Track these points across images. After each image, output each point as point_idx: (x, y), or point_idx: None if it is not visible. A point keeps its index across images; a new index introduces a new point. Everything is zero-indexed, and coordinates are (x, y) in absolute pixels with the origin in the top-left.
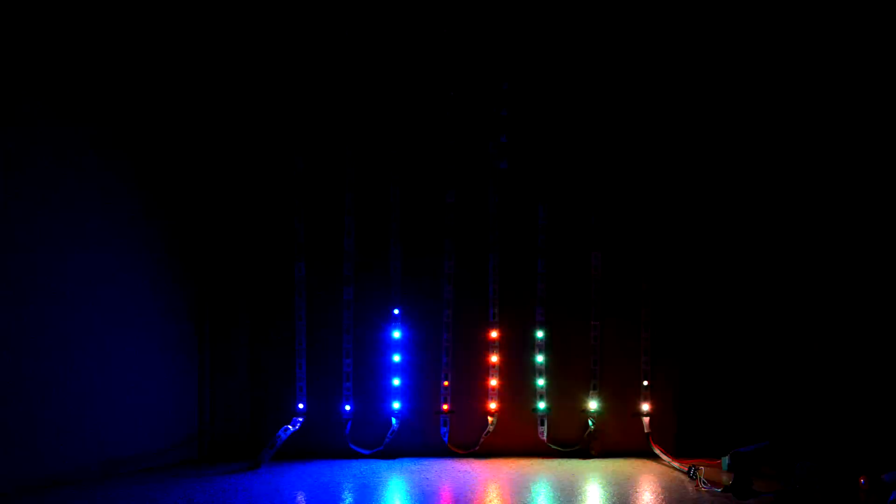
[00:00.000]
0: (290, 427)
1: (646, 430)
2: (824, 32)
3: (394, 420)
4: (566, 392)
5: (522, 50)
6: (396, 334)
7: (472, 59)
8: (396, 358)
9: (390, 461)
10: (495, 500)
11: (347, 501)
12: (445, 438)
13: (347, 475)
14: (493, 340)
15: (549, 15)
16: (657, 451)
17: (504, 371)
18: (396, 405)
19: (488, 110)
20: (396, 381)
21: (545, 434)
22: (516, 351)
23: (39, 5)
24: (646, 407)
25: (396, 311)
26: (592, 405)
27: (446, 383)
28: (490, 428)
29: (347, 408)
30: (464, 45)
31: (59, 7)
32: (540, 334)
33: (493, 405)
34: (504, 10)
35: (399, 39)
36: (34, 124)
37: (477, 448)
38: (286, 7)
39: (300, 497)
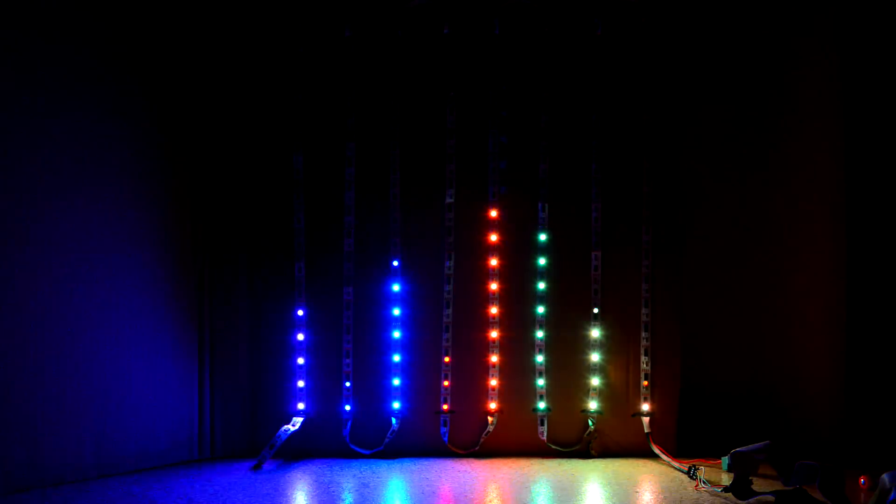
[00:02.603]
0: (290, 427)
1: (646, 430)
2: None
3: (394, 420)
4: (566, 392)
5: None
6: (397, 334)
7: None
8: (396, 358)
9: (390, 461)
10: (495, 500)
11: (347, 501)
12: (445, 438)
13: (347, 475)
14: (494, 341)
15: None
16: (657, 451)
17: (504, 371)
18: (396, 405)
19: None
20: (396, 381)
21: (545, 434)
22: (516, 351)
23: None
24: (646, 407)
25: (397, 312)
26: (592, 405)
27: (446, 383)
28: (490, 428)
29: (347, 408)
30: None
31: None
32: (540, 334)
33: (493, 405)
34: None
35: (400, 37)
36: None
37: (477, 448)
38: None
39: (300, 497)
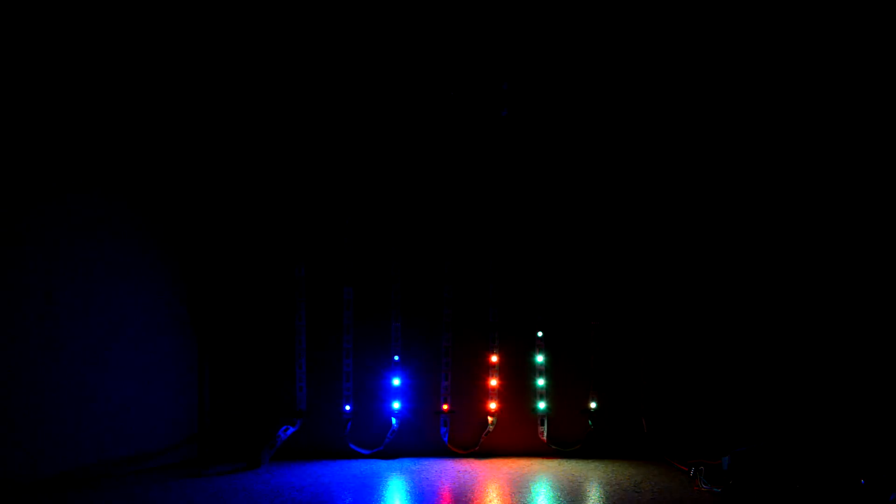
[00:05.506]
0: (290, 427)
1: (645, 430)
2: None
3: (394, 420)
4: (566, 392)
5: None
6: (396, 334)
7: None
8: (396, 358)
9: (390, 461)
10: (495, 500)
11: (347, 501)
12: (445, 438)
13: (347, 475)
14: (493, 339)
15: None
16: (657, 452)
17: (504, 371)
18: (396, 405)
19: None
20: (396, 381)
21: (545, 434)
22: (516, 351)
23: None
24: (645, 407)
25: (397, 311)
26: (592, 405)
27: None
28: (490, 428)
29: (347, 408)
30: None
31: None
32: (540, 334)
33: (493, 405)
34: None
35: (400, 41)
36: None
37: (477, 448)
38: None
39: (300, 497)
